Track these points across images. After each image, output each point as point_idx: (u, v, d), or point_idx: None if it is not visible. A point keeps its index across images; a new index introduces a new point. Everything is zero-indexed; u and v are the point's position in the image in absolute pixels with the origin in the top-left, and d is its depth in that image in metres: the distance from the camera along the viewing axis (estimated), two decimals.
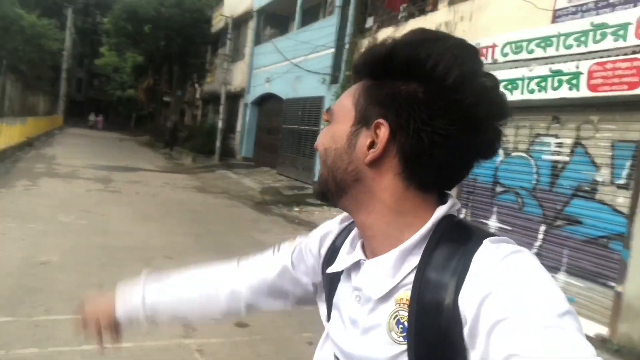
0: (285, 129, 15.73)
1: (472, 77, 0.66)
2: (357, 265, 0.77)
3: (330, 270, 0.81)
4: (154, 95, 30.48)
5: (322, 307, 0.90)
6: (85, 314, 1.09)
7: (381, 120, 0.68)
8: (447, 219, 0.70)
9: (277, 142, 16.35)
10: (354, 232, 0.81)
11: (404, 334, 0.66)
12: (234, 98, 20.81)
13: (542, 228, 5.55)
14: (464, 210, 6.86)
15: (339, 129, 0.73)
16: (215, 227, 8.08)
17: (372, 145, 0.69)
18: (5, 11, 25.09)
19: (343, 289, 0.80)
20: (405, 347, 0.66)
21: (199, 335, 3.98)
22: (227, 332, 4.11)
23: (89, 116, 43.91)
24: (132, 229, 7.26)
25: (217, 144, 18.79)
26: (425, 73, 0.65)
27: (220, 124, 19.24)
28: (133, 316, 1.05)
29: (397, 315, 0.68)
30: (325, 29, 13.82)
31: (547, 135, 5.70)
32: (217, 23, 24.70)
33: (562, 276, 5.21)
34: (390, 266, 0.70)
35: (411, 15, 10.48)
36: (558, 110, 5.56)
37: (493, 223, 6.23)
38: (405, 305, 0.67)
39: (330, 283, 0.85)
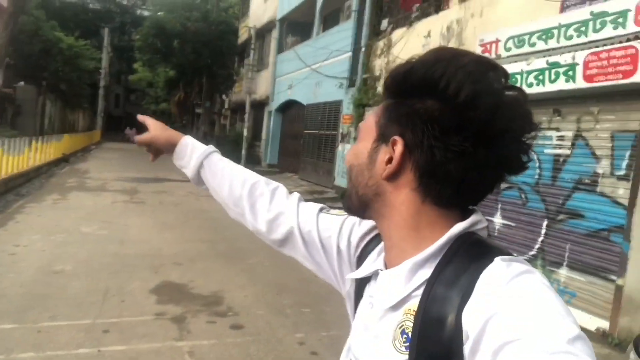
0: (306, 134, 15.86)
1: (487, 93, 0.66)
2: (376, 274, 0.79)
3: (350, 276, 0.86)
4: (186, 107, 31.30)
5: (349, 306, 0.91)
6: (151, 128, 1.22)
7: (397, 137, 0.71)
8: (466, 235, 0.70)
9: (299, 147, 16.50)
10: (382, 242, 0.83)
11: (407, 344, 0.67)
12: (259, 106, 21.15)
13: (545, 223, 5.41)
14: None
15: (362, 146, 0.77)
16: (230, 234, 8.23)
17: (390, 161, 0.72)
18: (46, 35, 26.35)
19: (365, 297, 0.83)
20: (406, 357, 0.67)
21: (192, 337, 4.11)
22: (219, 334, 4.22)
23: (125, 130, 45.39)
24: (148, 238, 7.51)
25: (243, 152, 19.11)
26: (439, 91, 0.67)
27: (245, 132, 19.57)
28: (190, 153, 1.15)
29: (403, 325, 0.69)
30: (342, 34, 13.91)
31: (548, 128, 5.56)
32: (243, 34, 25.21)
33: (564, 271, 5.07)
34: (402, 277, 0.71)
35: (424, 14, 10.43)
36: (559, 103, 5.42)
37: (497, 220, 6.12)
38: (412, 316, 0.68)
39: (358, 287, 0.87)
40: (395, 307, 0.71)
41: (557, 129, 5.44)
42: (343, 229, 0.94)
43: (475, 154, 0.66)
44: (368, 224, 0.91)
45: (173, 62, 27.72)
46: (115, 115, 50.00)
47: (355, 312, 0.86)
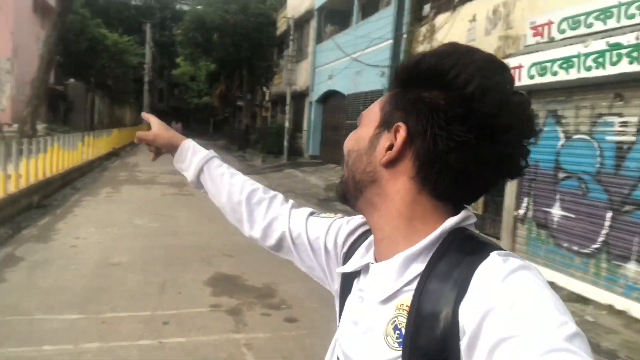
0: (347, 124, 15.77)
1: (495, 89, 0.66)
2: (366, 268, 0.79)
3: (341, 270, 0.84)
4: (227, 100, 31.73)
5: (337, 305, 0.90)
6: (154, 126, 1.22)
7: (400, 124, 0.70)
8: (458, 230, 0.70)
9: (341, 138, 16.44)
10: (371, 237, 0.82)
11: (400, 340, 0.66)
12: (299, 97, 21.17)
13: (609, 215, 5.16)
14: (525, 200, 6.54)
15: (364, 132, 0.77)
16: None
17: (390, 147, 0.71)
18: (92, 32, 27.26)
19: (353, 291, 0.81)
20: (400, 353, 0.66)
21: (248, 330, 4.17)
22: (275, 327, 4.27)
23: (170, 124, 46.64)
24: (198, 230, 7.68)
25: (285, 143, 19.22)
26: (448, 82, 0.67)
27: (287, 124, 19.66)
28: (190, 157, 1.15)
29: (395, 321, 0.68)
30: (382, 21, 13.68)
31: (610, 114, 5.28)
32: (281, 25, 25.21)
33: (632, 265, 4.82)
34: (394, 271, 0.70)
35: None
36: (620, 86, 5.13)
37: (556, 211, 5.89)
38: (405, 312, 0.67)
39: (344, 285, 0.86)
40: (386, 301, 0.70)
41: (620, 115, 5.16)
42: (330, 229, 0.94)
43: (477, 147, 0.66)
44: (356, 221, 0.92)
45: (213, 55, 28.08)
46: (160, 109, 51.21)
47: (342, 308, 0.85)
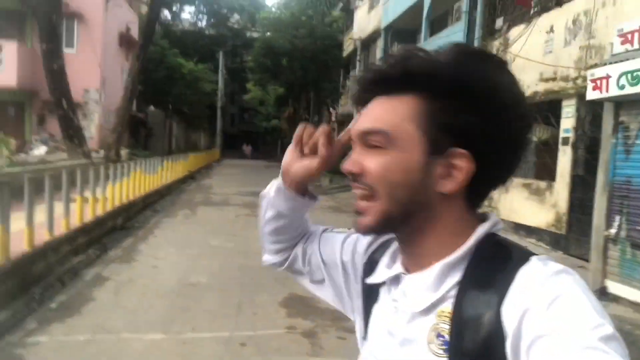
0: None
1: (523, 101, 0.70)
2: (396, 279, 0.77)
3: (370, 281, 0.82)
4: (295, 122, 32.36)
5: (358, 321, 0.88)
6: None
7: (462, 151, 0.67)
8: (489, 236, 0.71)
9: None
10: (394, 246, 0.81)
11: (445, 347, 0.66)
12: None
13: None
14: (617, 218, 6.05)
15: (407, 159, 0.68)
16: None
17: (448, 173, 0.68)
18: (169, 62, 28.98)
19: (383, 302, 0.80)
20: (445, 359, 0.66)
21: (325, 353, 4.13)
22: (352, 351, 4.15)
23: (242, 147, 48.41)
24: None
25: None
26: (497, 102, 0.67)
27: None
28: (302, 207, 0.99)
29: (437, 328, 0.68)
30: (452, 37, 13.44)
31: None
32: (348, 46, 25.49)
33: None
34: (433, 280, 0.70)
35: (544, 9, 9.70)
36: None
37: None
38: (447, 319, 0.67)
39: (368, 295, 0.84)
40: (426, 311, 0.69)
41: None
42: (346, 242, 0.92)
43: (512, 160, 0.71)
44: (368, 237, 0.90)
45: (282, 79, 28.94)
46: (231, 133, 53.27)
47: (367, 318, 0.83)
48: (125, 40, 22.54)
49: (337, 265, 0.92)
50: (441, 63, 0.68)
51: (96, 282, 5.84)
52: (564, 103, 7.87)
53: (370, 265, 0.86)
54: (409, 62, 0.69)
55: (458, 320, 0.65)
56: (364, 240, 0.90)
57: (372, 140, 0.70)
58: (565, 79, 7.81)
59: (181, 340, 4.25)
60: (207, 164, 30.08)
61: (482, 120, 0.67)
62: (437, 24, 16.15)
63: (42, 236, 5.92)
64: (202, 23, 47.82)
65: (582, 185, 7.54)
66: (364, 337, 0.84)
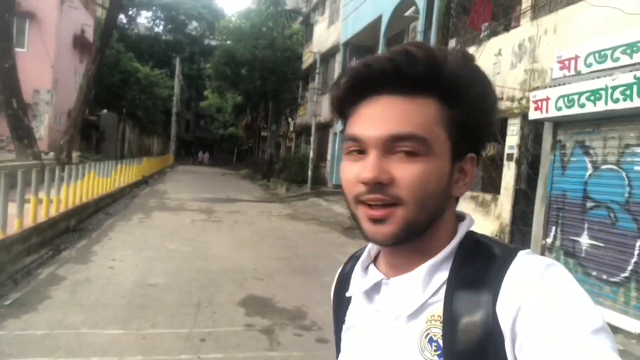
0: None
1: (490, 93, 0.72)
2: (377, 287, 0.74)
3: (348, 294, 0.79)
4: (252, 130, 32.41)
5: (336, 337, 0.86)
6: None
7: (472, 154, 0.70)
8: (469, 234, 0.72)
9: None
10: (364, 255, 0.79)
11: (439, 352, 0.64)
12: (324, 128, 21.56)
13: (638, 243, 5.19)
14: (553, 228, 6.58)
15: (441, 166, 0.67)
16: (303, 252, 8.47)
17: (463, 178, 0.71)
18: (125, 66, 28.44)
19: (362, 315, 0.77)
20: None
21: (281, 348, 4.28)
22: (307, 347, 4.37)
23: (197, 154, 47.81)
24: (229, 254, 7.87)
25: (309, 173, 19.51)
26: (490, 105, 0.70)
27: (311, 154, 19.99)
28: None
29: (429, 334, 0.66)
30: None
31: (638, 145, 5.37)
32: (307, 59, 25.91)
33: None
34: (420, 281, 0.69)
35: (494, 33, 10.36)
36: None
37: (585, 240, 5.91)
38: (438, 322, 0.66)
39: (337, 314, 0.84)
40: (415, 314, 0.68)
41: None
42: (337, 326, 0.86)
43: None
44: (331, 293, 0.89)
45: (241, 88, 28.97)
46: (186, 139, 52.49)
47: (340, 339, 0.82)
48: (79, 42, 22.03)
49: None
50: (462, 70, 0.67)
51: (51, 280, 5.77)
52: (510, 122, 8.37)
53: (340, 305, 0.84)
54: (437, 65, 0.66)
55: (450, 323, 0.64)
56: (333, 293, 0.89)
57: (405, 146, 0.65)
58: (511, 99, 8.36)
59: (141, 336, 4.30)
60: (160, 169, 29.57)
61: (486, 124, 0.71)
62: (395, 42, 16.76)
63: None
64: (159, 28, 47.21)
65: (523, 199, 8.06)
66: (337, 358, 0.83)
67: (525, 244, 7.22)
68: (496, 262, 0.65)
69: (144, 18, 47.58)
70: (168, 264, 6.94)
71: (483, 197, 9.14)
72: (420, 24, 13.89)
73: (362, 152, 0.67)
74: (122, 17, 35.75)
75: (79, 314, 4.69)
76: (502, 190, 8.51)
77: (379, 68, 0.65)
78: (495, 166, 9.05)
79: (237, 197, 16.35)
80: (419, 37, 13.74)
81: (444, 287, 0.67)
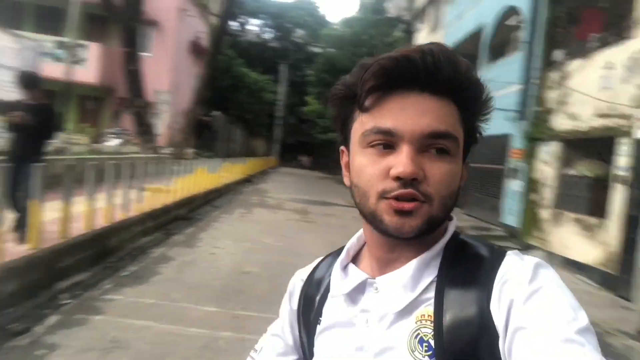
0: (471, 167, 15.58)
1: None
2: (361, 287, 0.74)
3: (333, 295, 0.78)
4: None
5: (300, 347, 0.86)
6: None
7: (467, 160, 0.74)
8: (455, 234, 0.73)
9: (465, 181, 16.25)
10: (342, 255, 0.80)
11: (430, 353, 0.64)
12: None
13: None
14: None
15: (460, 166, 0.70)
16: None
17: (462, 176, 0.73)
18: (235, 71, 30.40)
19: (341, 315, 0.75)
20: None
21: None
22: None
23: (299, 157, 49.57)
24: (319, 253, 8.14)
25: None
26: (488, 115, 0.74)
27: None
28: None
29: (419, 334, 0.65)
30: (510, 66, 13.58)
31: None
32: None
33: None
34: (409, 278, 0.69)
35: (604, 45, 9.73)
36: None
37: None
38: (429, 322, 0.65)
39: (304, 316, 0.84)
40: (404, 312, 0.68)
41: None
42: (285, 324, 0.90)
43: None
44: (284, 299, 0.92)
45: None
46: (289, 143, 54.47)
47: (311, 342, 0.80)
48: (195, 48, 24.01)
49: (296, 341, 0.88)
50: (474, 78, 0.70)
51: (162, 259, 6.55)
52: (620, 140, 7.82)
53: (308, 299, 0.84)
54: (461, 70, 0.68)
55: (442, 322, 0.64)
56: (284, 305, 0.91)
57: (439, 143, 0.66)
58: (622, 116, 7.81)
59: (233, 315, 4.80)
60: (264, 169, 31.07)
61: (479, 132, 0.76)
62: (497, 52, 16.26)
63: (118, 216, 6.73)
64: (268, 36, 49.66)
65: (637, 226, 7.19)
66: None
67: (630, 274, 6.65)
68: (486, 261, 0.66)
69: (254, 26, 50.29)
70: (262, 255, 7.49)
71: (587, 221, 8.56)
72: (525, 34, 13.39)
73: (389, 146, 0.66)
74: (235, 24, 38.15)
75: (183, 290, 5.31)
76: (610, 215, 7.85)
77: (415, 64, 0.65)
78: (599, 187, 8.47)
79: (332, 201, 16.82)
80: (523, 47, 13.24)
81: (434, 286, 0.67)
